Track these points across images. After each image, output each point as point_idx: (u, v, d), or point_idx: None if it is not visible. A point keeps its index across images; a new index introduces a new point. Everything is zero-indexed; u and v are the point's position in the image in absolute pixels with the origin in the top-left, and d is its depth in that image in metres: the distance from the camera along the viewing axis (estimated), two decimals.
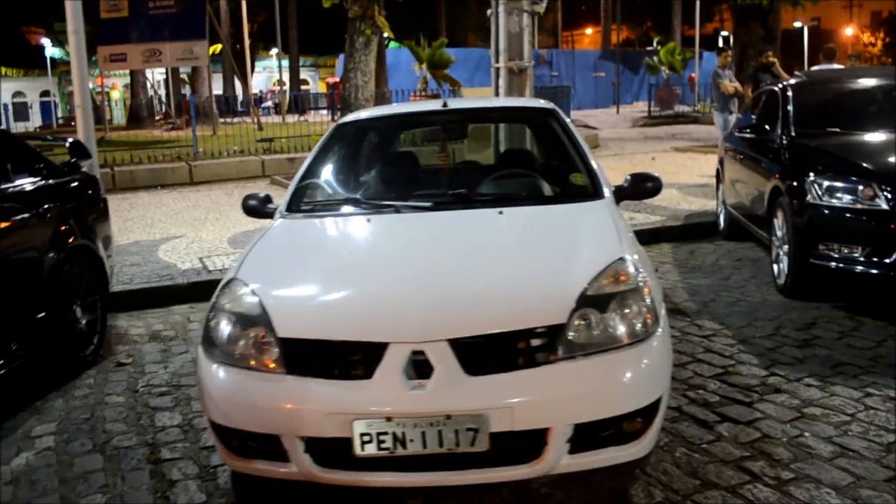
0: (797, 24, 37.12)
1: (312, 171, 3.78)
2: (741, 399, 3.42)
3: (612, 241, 2.79)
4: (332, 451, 2.44)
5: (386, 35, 16.91)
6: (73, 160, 5.01)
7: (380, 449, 2.37)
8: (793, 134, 5.34)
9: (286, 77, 39.62)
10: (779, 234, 5.12)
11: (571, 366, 2.41)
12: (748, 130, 5.81)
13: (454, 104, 4.25)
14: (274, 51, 38.18)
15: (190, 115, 20.07)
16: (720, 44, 25.32)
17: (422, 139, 4.33)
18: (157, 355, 4.60)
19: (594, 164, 3.60)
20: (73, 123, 42.22)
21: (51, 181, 4.50)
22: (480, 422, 2.33)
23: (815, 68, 9.48)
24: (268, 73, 47.62)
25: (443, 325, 2.41)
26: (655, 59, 28.47)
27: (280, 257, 3.03)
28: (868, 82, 6.04)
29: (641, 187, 3.58)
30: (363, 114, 4.33)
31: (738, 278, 5.64)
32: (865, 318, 4.48)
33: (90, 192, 5.02)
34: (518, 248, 2.90)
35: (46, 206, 4.31)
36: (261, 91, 41.13)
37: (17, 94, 45.36)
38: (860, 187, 4.42)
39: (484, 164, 4.65)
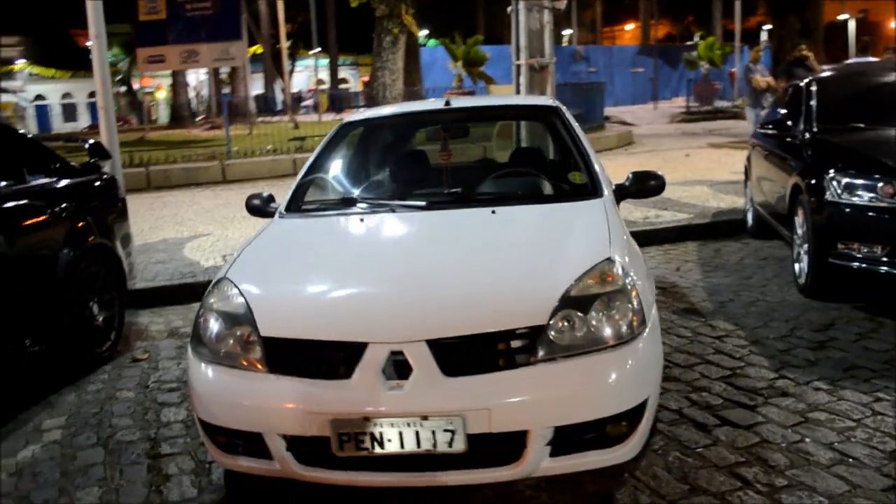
0: (843, 17, 36.16)
1: (314, 170, 3.80)
2: (745, 402, 3.34)
3: (601, 242, 2.75)
4: (313, 449, 2.45)
5: (419, 33, 16.93)
6: (92, 160, 5.12)
7: (358, 449, 2.38)
8: (815, 129, 5.19)
9: (325, 76, 40.02)
10: (799, 232, 5.00)
11: (552, 368, 2.38)
12: (770, 126, 5.67)
13: (457, 103, 4.23)
14: (316, 50, 38.52)
15: (231, 113, 20.44)
16: (762, 37, 24.83)
17: (426, 138, 4.31)
18: (172, 352, 4.67)
19: (595, 163, 3.55)
20: (120, 123, 43.36)
21: (67, 181, 4.59)
22: (457, 423, 2.32)
23: (848, 62, 9.23)
24: (308, 72, 48.11)
25: (421, 325, 2.40)
26: (694, 53, 27.99)
27: (270, 257, 3.05)
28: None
29: (644, 185, 3.52)
30: (367, 113, 4.34)
31: (761, 277, 5.51)
32: (887, 319, 4.34)
33: (109, 192, 5.12)
34: (505, 248, 2.87)
35: (62, 206, 4.40)
36: (300, 90, 41.56)
37: (66, 95, 46.57)
38: (880, 184, 4.28)
39: (487, 163, 4.63)
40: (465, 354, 2.38)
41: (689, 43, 35.81)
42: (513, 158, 4.50)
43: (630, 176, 3.55)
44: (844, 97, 5.55)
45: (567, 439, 2.39)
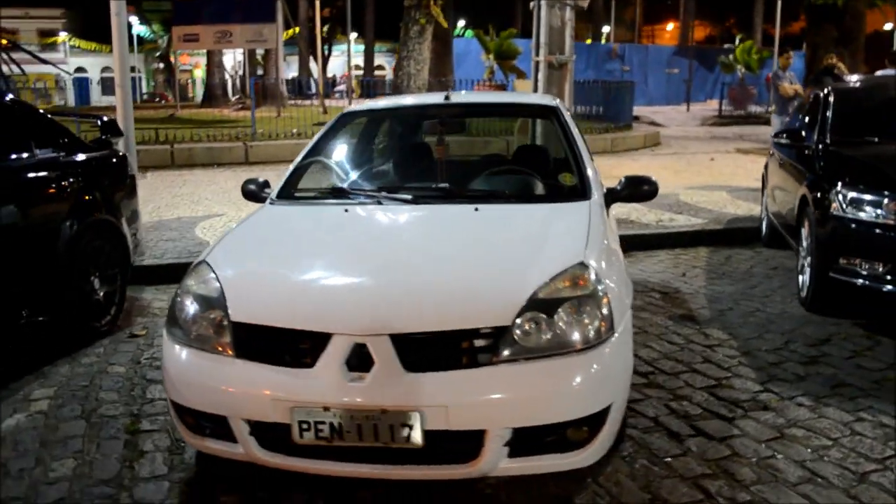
0: (888, 27, 35.25)
1: (309, 158, 3.82)
2: (724, 414, 3.30)
3: (578, 245, 2.73)
4: (275, 435, 2.48)
5: (457, 24, 16.87)
6: (103, 137, 5.20)
7: (318, 438, 2.40)
8: (827, 141, 5.10)
9: (361, 62, 40.05)
10: (804, 244, 4.92)
11: (514, 368, 2.38)
12: (784, 136, 5.58)
13: (456, 98, 4.22)
14: (353, 36, 38.63)
15: (259, 95, 20.59)
16: (805, 44, 24.30)
17: (423, 132, 4.32)
18: None
19: (586, 165, 3.53)
20: (156, 100, 43.59)
21: (75, 157, 4.67)
22: (415, 419, 2.33)
23: (877, 73, 9.03)
24: (345, 57, 48.27)
25: (386, 319, 2.41)
26: (731, 57, 27.55)
27: (251, 243, 3.08)
28: None
29: (636, 190, 3.49)
30: (367, 104, 4.35)
31: (766, 288, 5.44)
32: (885, 338, 4.27)
33: (118, 169, 5.20)
34: (480, 246, 2.87)
35: (69, 181, 4.48)
36: (335, 75, 41.69)
37: (106, 69, 47.18)
38: (885, 200, 4.20)
39: (488, 159, 4.60)
40: (427, 351, 2.38)
41: (726, 46, 35.26)
42: (515, 156, 4.49)
43: (623, 180, 3.52)
44: (861, 109, 5.45)
45: (526, 441, 2.39)
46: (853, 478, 2.74)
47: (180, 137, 13.11)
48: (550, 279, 2.52)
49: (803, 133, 5.46)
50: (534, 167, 3.82)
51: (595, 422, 2.45)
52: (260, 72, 33.05)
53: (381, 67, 47.60)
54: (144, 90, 50.88)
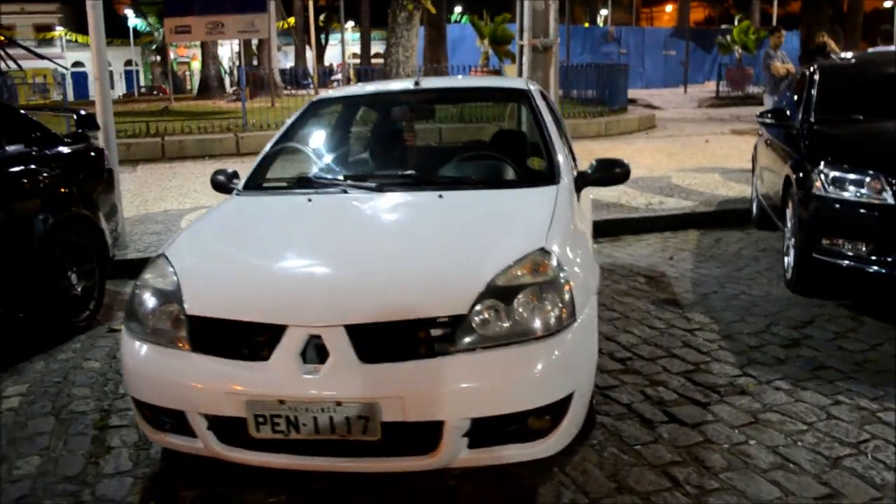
0: (888, 4, 34.92)
1: (278, 146, 3.76)
2: (699, 399, 3.25)
3: (540, 230, 2.67)
4: (232, 430, 2.44)
5: (452, 10, 16.73)
6: (79, 131, 5.14)
7: (274, 431, 2.37)
8: (812, 120, 5.02)
9: (357, 50, 39.79)
10: (789, 225, 4.86)
11: (471, 358, 2.33)
12: (769, 115, 5.50)
13: (426, 83, 4.15)
14: (350, 24, 38.39)
15: (254, 86, 20.48)
16: (800, 23, 24.06)
17: (392, 119, 4.26)
18: None
19: (556, 149, 3.46)
20: (154, 92, 43.38)
21: (47, 151, 4.62)
22: (371, 410, 2.29)
23: (869, 50, 8.91)
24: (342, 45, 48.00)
25: (340, 310, 2.37)
26: (728, 37, 27.29)
27: (211, 236, 3.03)
28: None
29: (608, 173, 3.42)
30: (337, 91, 4.29)
31: (752, 270, 5.38)
32: (868, 318, 4.21)
33: (95, 163, 5.14)
34: (440, 233, 2.81)
35: (41, 175, 4.43)
36: (331, 64, 41.49)
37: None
38: (867, 179, 4.13)
39: (462, 145, 4.55)
40: (383, 341, 2.34)
41: (723, 27, 34.93)
42: (492, 141, 4.42)
43: (594, 163, 3.45)
44: (846, 87, 5.36)
45: (486, 431, 2.35)
46: (826, 463, 2.70)
47: (171, 129, 13.04)
48: (509, 266, 2.46)
49: (788, 112, 5.39)
50: (508, 152, 3.75)
51: (557, 410, 2.41)
52: (255, 62, 32.90)
53: (378, 55, 47.38)
54: (142, 83, 50.74)
